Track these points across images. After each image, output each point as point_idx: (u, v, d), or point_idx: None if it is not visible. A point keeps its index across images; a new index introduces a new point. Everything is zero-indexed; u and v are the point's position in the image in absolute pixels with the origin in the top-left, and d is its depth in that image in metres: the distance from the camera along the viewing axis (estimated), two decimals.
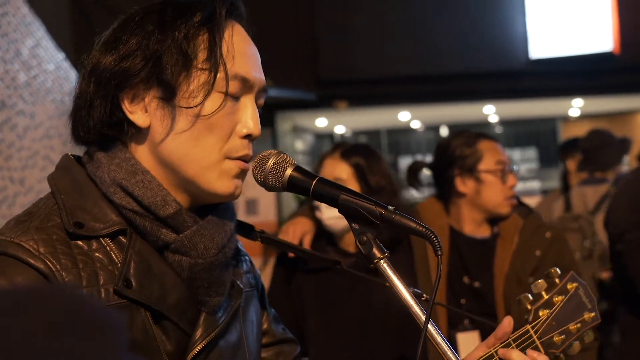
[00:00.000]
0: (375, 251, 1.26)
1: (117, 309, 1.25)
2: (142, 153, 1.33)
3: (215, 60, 1.29)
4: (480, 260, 2.92)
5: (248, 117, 1.34)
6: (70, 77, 5.49)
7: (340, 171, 2.90)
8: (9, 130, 4.69)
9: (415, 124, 15.56)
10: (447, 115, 14.06)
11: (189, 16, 1.31)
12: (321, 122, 13.37)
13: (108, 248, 1.28)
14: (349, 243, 2.87)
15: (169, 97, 1.29)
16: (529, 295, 1.52)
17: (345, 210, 1.29)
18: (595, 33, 9.65)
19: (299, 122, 12.32)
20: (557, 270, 1.53)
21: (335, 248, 2.96)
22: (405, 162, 15.83)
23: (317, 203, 2.90)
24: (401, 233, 2.93)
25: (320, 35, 9.44)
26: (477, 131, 3.10)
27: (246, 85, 1.34)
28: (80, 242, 1.26)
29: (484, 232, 2.98)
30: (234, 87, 1.31)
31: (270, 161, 1.32)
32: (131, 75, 1.28)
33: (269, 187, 1.33)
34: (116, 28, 1.33)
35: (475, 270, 2.89)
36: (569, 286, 1.52)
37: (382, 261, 1.26)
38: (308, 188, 1.31)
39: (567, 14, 9.69)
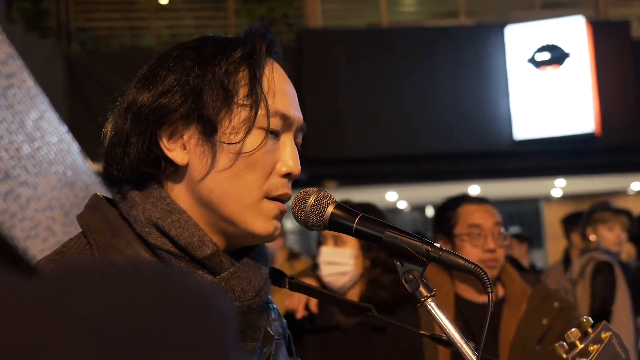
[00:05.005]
0: (422, 289, 1.22)
1: None
2: (178, 192, 1.29)
3: (256, 96, 1.27)
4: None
5: (288, 156, 1.31)
6: (72, 149, 5.56)
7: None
8: (12, 200, 4.73)
9: (402, 204, 15.67)
10: (433, 195, 14.17)
11: (229, 52, 1.29)
12: None
13: None
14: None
15: (210, 133, 1.25)
16: (564, 344, 1.47)
17: (390, 248, 1.25)
18: (576, 115, 9.87)
19: (289, 202, 12.35)
20: (590, 319, 1.49)
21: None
22: None
23: (318, 262, 2.93)
24: (401, 296, 2.99)
25: (308, 115, 9.56)
26: (466, 194, 3.18)
27: (286, 122, 1.31)
28: None
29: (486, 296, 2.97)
30: (274, 123, 1.28)
31: (311, 199, 1.30)
32: (170, 112, 1.25)
33: (310, 226, 1.30)
34: (153, 65, 1.31)
35: (480, 336, 2.87)
36: (602, 335, 1.48)
37: (429, 299, 1.22)
38: (350, 227, 1.28)
39: (549, 96, 9.93)
